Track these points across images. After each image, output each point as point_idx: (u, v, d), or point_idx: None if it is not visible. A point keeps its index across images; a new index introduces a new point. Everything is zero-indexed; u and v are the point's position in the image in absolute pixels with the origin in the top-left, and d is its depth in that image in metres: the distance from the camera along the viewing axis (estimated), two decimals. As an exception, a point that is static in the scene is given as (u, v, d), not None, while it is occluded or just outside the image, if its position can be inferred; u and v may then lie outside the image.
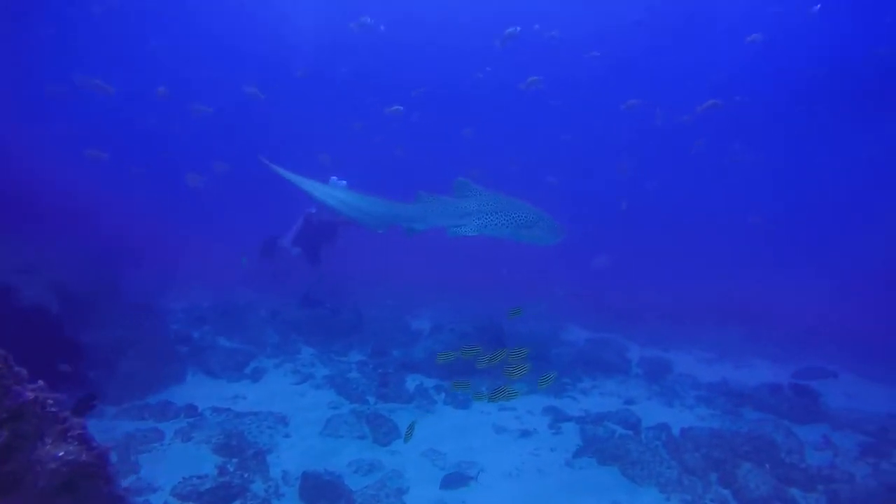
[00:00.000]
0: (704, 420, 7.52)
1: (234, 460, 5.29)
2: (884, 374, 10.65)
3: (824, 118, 21.04)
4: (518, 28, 10.38)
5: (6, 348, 1.79)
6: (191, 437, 5.77)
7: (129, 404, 6.43)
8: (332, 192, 5.06)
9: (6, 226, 9.00)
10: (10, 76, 20.38)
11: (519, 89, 11.09)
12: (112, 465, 2.03)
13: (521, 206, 5.07)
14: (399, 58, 23.00)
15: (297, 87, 21.95)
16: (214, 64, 23.20)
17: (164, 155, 22.97)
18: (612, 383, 9.01)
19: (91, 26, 19.56)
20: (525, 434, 6.55)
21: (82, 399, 2.21)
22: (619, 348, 11.24)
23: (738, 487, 5.29)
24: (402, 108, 10.88)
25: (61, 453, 1.74)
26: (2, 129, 19.92)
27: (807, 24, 13.11)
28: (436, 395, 7.58)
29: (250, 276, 14.40)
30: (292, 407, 6.94)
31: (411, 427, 4.73)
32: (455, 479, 5.20)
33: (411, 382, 8.01)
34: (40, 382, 1.90)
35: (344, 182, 9.88)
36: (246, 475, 5.00)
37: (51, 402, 1.83)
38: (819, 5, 10.03)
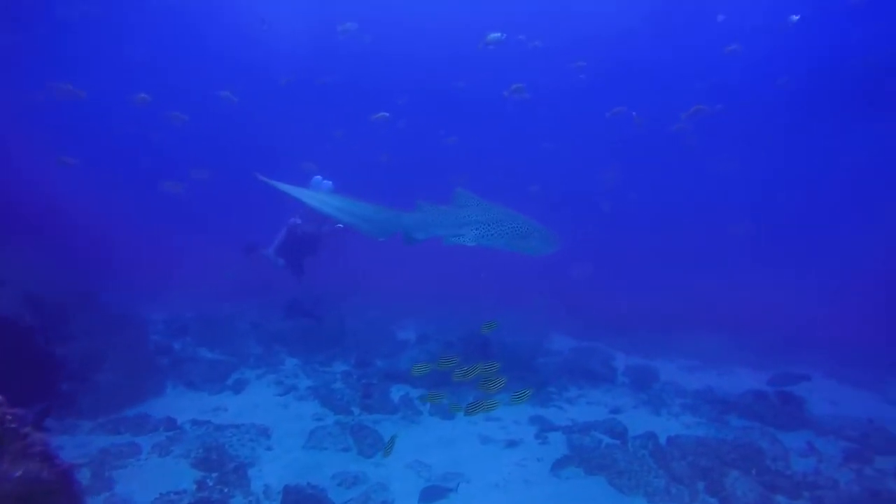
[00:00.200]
0: (691, 428, 7.52)
1: (214, 475, 5.14)
2: (866, 379, 10.79)
3: (809, 123, 21.47)
4: (503, 34, 10.40)
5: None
6: (169, 452, 5.61)
7: (104, 418, 6.24)
8: (333, 202, 5.01)
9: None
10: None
11: (503, 97, 11.14)
12: (77, 483, 1.93)
13: (517, 217, 5.13)
14: (384, 66, 23.04)
15: (282, 95, 21.85)
16: (197, 71, 23.00)
17: (145, 162, 22.64)
18: (598, 392, 8.99)
19: (69, 32, 19.30)
20: (511, 444, 6.48)
21: (38, 412, 2.10)
22: (604, 357, 11.24)
23: (726, 496, 5.28)
24: (387, 114, 10.86)
25: (19, 472, 1.64)
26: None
27: (788, 32, 13.43)
28: (421, 406, 7.48)
29: (233, 286, 14.21)
30: (275, 419, 6.80)
31: (391, 441, 4.65)
32: (434, 493, 5.11)
33: (396, 393, 7.90)
34: (-1, 398, 1.80)
35: (329, 182, 9.81)
36: (226, 490, 4.87)
37: (10, 417, 1.73)
38: (798, 16, 10.26)
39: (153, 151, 22.40)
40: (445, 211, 5.14)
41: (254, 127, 25.28)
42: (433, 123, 22.78)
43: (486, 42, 10.64)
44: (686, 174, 26.62)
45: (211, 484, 4.94)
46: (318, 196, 5.00)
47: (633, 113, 12.47)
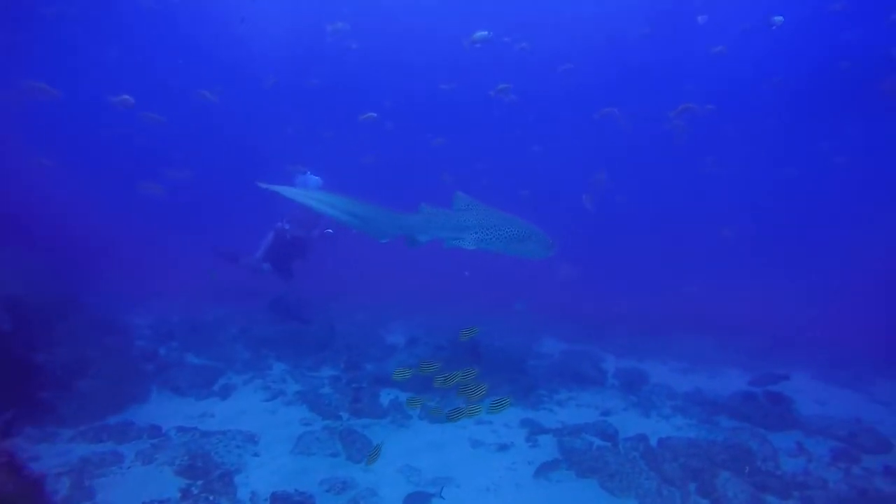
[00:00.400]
0: (681, 430, 7.52)
1: (199, 482, 5.03)
2: (853, 379, 10.90)
3: (798, 126, 21.71)
4: (489, 33, 10.37)
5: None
6: (153, 459, 5.48)
7: (86, 426, 6.08)
8: (339, 203, 4.96)
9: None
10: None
11: (489, 98, 11.10)
12: (49, 494, 1.84)
13: (515, 221, 5.19)
14: (370, 68, 22.99)
15: (270, 96, 21.71)
16: (181, 71, 22.75)
17: (128, 163, 22.29)
18: (588, 395, 8.97)
19: (48, 31, 19.00)
20: (502, 448, 6.43)
21: (5, 421, 2.02)
22: (594, 359, 11.24)
23: (717, 497, 5.27)
24: (375, 114, 10.79)
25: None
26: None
27: (778, 34, 13.59)
28: (410, 410, 7.40)
29: (220, 289, 14.03)
30: (262, 424, 6.69)
31: (377, 449, 4.59)
32: (419, 499, 5.04)
33: (385, 397, 7.82)
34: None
35: (318, 179, 9.74)
36: (211, 498, 4.76)
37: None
38: (782, 18, 10.36)
39: (136, 152, 22.08)
40: (447, 214, 5.16)
41: (241, 128, 25.08)
42: (421, 125, 22.74)
43: (472, 40, 10.60)
44: (676, 177, 26.80)
45: (196, 492, 4.83)
46: (324, 198, 4.94)
47: (615, 110, 12.49)
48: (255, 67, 22.41)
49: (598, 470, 5.67)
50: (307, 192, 5.09)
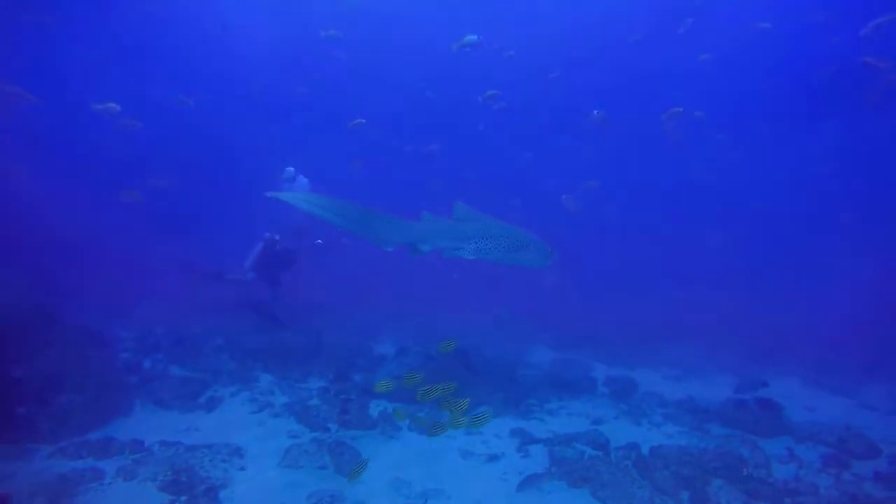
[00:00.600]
0: (672, 437, 7.49)
1: (183, 498, 4.91)
2: (841, 385, 10.96)
3: (785, 132, 21.98)
4: (478, 37, 10.37)
5: None
6: (135, 475, 5.33)
7: (66, 442, 5.90)
8: (344, 211, 4.91)
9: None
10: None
11: (478, 103, 11.10)
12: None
13: (513, 230, 5.22)
14: (358, 77, 22.98)
15: (258, 103, 21.62)
16: (169, 79, 22.56)
17: (108, 171, 21.95)
18: (579, 403, 8.93)
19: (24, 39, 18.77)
20: (492, 458, 6.35)
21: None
22: (584, 368, 11.21)
23: (709, 505, 5.24)
24: (364, 120, 10.75)
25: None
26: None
27: (758, 39, 13.77)
28: (400, 421, 7.31)
29: (206, 300, 13.82)
30: (249, 437, 6.55)
31: (361, 465, 4.52)
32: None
33: (374, 408, 7.70)
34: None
35: (306, 180, 9.66)
36: (194, 514, 4.63)
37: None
38: (769, 24, 10.54)
39: (118, 160, 21.78)
40: (449, 223, 5.16)
41: (226, 134, 24.87)
42: (412, 133, 22.76)
43: (461, 44, 10.56)
44: (666, 182, 26.95)
45: (179, 508, 4.70)
46: (329, 204, 4.89)
47: (595, 111, 12.43)
48: (247, 76, 22.31)
49: (590, 479, 5.62)
50: (310, 198, 5.05)
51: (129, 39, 20.78)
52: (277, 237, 10.27)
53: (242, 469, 5.71)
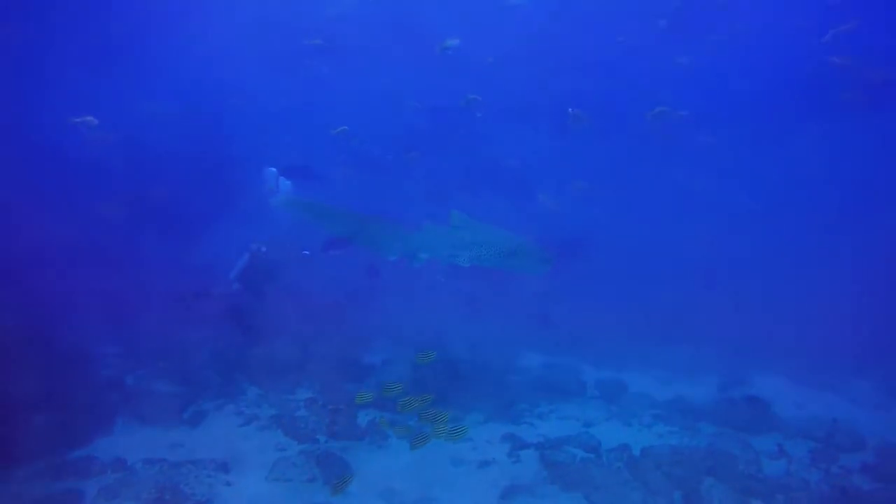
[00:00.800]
0: (663, 437, 7.48)
1: (167, 517, 4.76)
2: (829, 381, 11.06)
3: (778, 133, 22.28)
4: (458, 40, 10.40)
5: None
6: (117, 495, 5.18)
7: (43, 463, 5.72)
8: (343, 216, 4.87)
9: None
10: None
11: (460, 107, 11.11)
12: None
13: (509, 236, 5.23)
14: (343, 83, 22.89)
15: (245, 110, 21.37)
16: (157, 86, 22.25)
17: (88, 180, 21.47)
18: (569, 407, 8.89)
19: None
20: (484, 465, 6.29)
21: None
22: (574, 371, 11.18)
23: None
24: (347, 127, 10.70)
25: None
26: None
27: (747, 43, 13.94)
28: (387, 430, 7.21)
29: (190, 314, 13.59)
30: (235, 452, 6.41)
31: (343, 481, 4.45)
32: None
33: (363, 418, 7.59)
34: None
35: (288, 182, 9.55)
36: (179, 533, 4.50)
37: None
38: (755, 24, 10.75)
39: (93, 168, 21.32)
40: (446, 232, 5.17)
41: (210, 141, 24.56)
42: (397, 141, 22.66)
43: (443, 47, 10.59)
44: (653, 184, 27.09)
45: (163, 527, 4.57)
46: (331, 212, 4.83)
47: (570, 109, 12.38)
48: (233, 80, 22.05)
49: (583, 483, 5.58)
50: (313, 203, 5.02)
51: (109, 48, 20.49)
52: (264, 248, 10.16)
53: (229, 484, 5.59)
